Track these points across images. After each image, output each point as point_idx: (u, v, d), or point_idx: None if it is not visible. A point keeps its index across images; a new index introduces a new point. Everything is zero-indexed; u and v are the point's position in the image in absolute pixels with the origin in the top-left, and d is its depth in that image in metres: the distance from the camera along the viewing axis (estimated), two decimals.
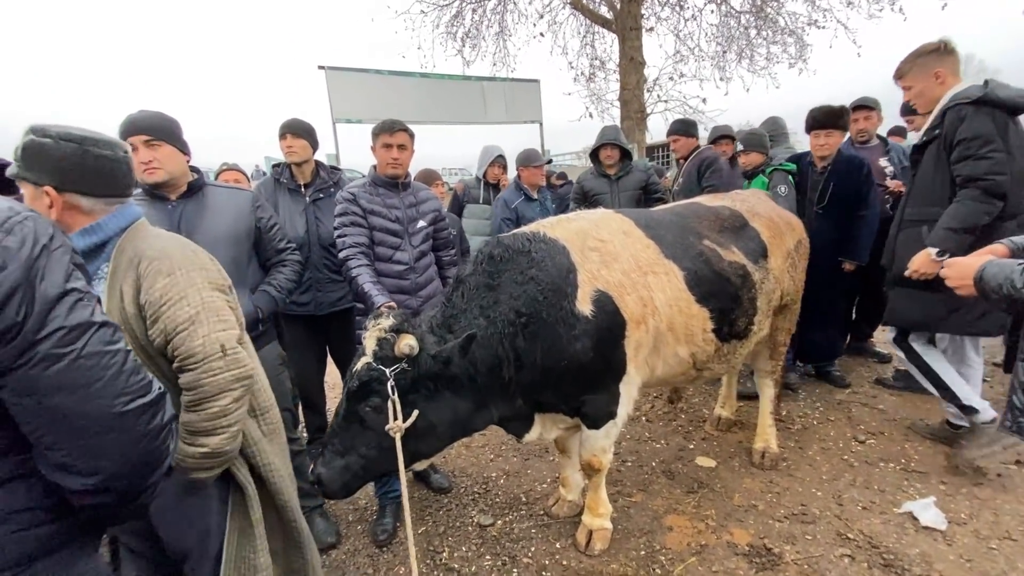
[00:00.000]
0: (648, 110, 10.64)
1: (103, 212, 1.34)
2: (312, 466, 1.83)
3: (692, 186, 3.93)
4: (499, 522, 2.61)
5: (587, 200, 4.06)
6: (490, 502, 2.80)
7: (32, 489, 0.80)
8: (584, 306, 2.00)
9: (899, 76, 2.69)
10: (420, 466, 2.14)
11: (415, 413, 1.75)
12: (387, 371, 1.72)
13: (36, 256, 0.74)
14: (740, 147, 4.04)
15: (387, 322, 1.81)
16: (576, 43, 11.76)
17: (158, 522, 1.42)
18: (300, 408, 3.09)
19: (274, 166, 3.10)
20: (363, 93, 7.72)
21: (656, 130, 12.04)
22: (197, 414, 1.31)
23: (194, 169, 2.22)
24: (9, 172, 1.25)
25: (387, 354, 1.76)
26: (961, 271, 1.48)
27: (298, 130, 2.90)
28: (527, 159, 4.21)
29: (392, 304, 2.22)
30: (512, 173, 4.60)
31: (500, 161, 4.37)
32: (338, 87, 7.46)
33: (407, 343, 1.74)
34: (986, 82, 2.43)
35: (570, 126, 11.56)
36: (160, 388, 0.89)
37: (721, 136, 4.58)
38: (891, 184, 3.80)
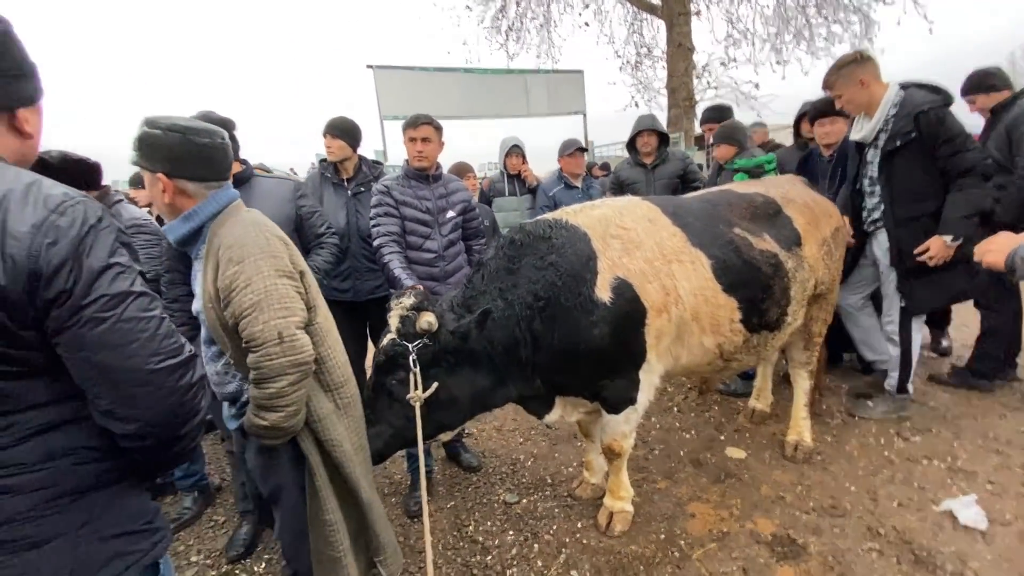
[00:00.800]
0: (697, 97, 10.33)
1: (202, 196, 1.52)
2: None
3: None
4: (524, 501, 2.71)
5: (622, 190, 4.05)
6: (517, 482, 2.90)
7: (85, 431, 0.94)
8: (603, 293, 2.03)
9: (827, 87, 2.93)
10: (444, 437, 2.25)
11: (435, 385, 1.87)
12: (409, 346, 1.85)
13: (84, 235, 0.87)
14: (712, 140, 3.98)
15: (409, 300, 1.94)
16: (622, 31, 11.50)
17: (251, 470, 1.76)
18: None
19: (320, 161, 3.32)
20: (409, 90, 7.95)
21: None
22: (259, 391, 1.45)
23: (242, 161, 2.44)
24: (130, 161, 1.49)
25: (409, 330, 1.89)
26: (1002, 246, 1.57)
27: (336, 131, 3.05)
28: (564, 147, 4.25)
29: (419, 287, 2.36)
30: (542, 164, 4.64)
31: (516, 151, 4.36)
32: (385, 85, 7.73)
33: (426, 319, 1.87)
34: (922, 85, 2.80)
35: (615, 116, 11.38)
36: (190, 351, 1.01)
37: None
38: None
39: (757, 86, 10.42)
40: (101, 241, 0.90)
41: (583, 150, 4.32)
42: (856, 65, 2.80)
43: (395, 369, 1.91)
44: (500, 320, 1.98)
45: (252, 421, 1.49)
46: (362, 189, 3.18)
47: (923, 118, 2.67)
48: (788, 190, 2.76)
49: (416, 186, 2.73)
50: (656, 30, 11.04)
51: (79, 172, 2.40)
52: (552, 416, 2.30)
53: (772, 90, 10.68)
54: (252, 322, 1.43)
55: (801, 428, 2.89)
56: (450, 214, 2.79)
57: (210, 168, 1.51)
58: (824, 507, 2.45)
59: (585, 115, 9.49)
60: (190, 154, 1.46)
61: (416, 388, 1.80)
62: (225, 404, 1.77)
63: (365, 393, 1.98)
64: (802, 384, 2.93)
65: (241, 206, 1.63)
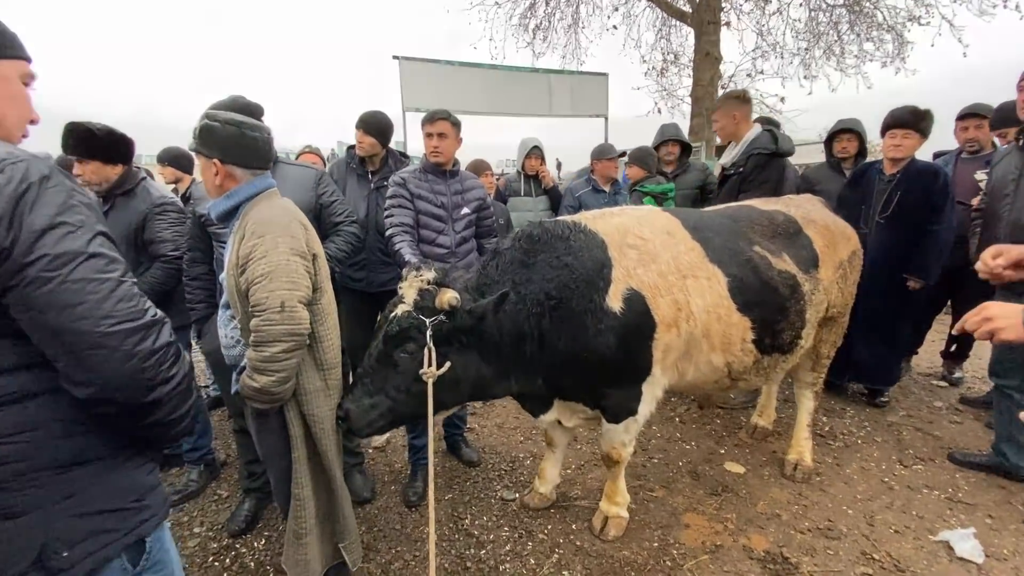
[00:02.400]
0: None
1: (246, 180, 1.72)
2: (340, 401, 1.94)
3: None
4: (520, 498, 2.74)
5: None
6: (515, 479, 2.94)
7: (65, 403, 0.92)
8: (615, 303, 2.02)
9: (714, 111, 3.40)
10: (438, 417, 2.24)
11: (447, 364, 1.84)
12: (427, 321, 1.83)
13: (23, 192, 0.85)
14: (626, 159, 4.09)
15: (429, 274, 1.91)
16: (650, 36, 11.43)
17: (250, 428, 1.89)
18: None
19: (349, 148, 3.34)
20: (433, 83, 7.99)
21: None
22: (255, 353, 1.60)
23: None
24: (189, 147, 1.75)
25: (428, 304, 1.86)
26: (1008, 316, 1.33)
27: (370, 128, 3.06)
28: (601, 152, 4.21)
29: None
30: (568, 165, 4.65)
31: (536, 152, 4.34)
32: (410, 76, 7.76)
33: (451, 297, 1.83)
34: (774, 135, 3.17)
35: (635, 122, 11.33)
36: (154, 316, 0.96)
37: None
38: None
39: (783, 100, 10.30)
40: (45, 199, 0.87)
41: (622, 154, 4.31)
42: (736, 102, 3.30)
43: (406, 341, 1.86)
44: (511, 312, 1.98)
45: (245, 382, 1.64)
46: (385, 183, 3.20)
47: (752, 159, 3.17)
48: (809, 210, 2.74)
49: (432, 180, 2.76)
50: (684, 37, 10.96)
51: (118, 146, 2.61)
52: (548, 417, 2.31)
53: (797, 105, 10.53)
54: (260, 289, 1.58)
55: (802, 448, 2.89)
56: (465, 211, 2.81)
57: (257, 157, 1.73)
58: (820, 528, 2.45)
59: (607, 118, 9.47)
60: (242, 145, 1.69)
61: (431, 364, 1.78)
62: (234, 374, 1.86)
63: (367, 362, 1.93)
64: (806, 404, 2.93)
65: (276, 193, 1.78)
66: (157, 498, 1.08)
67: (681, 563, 2.26)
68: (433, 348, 1.80)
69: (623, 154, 5.17)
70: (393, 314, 1.90)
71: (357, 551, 1.97)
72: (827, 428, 3.37)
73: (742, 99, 3.30)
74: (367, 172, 3.20)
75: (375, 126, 3.08)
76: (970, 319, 1.35)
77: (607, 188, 4.15)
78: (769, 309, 2.31)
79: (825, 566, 2.22)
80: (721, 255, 2.27)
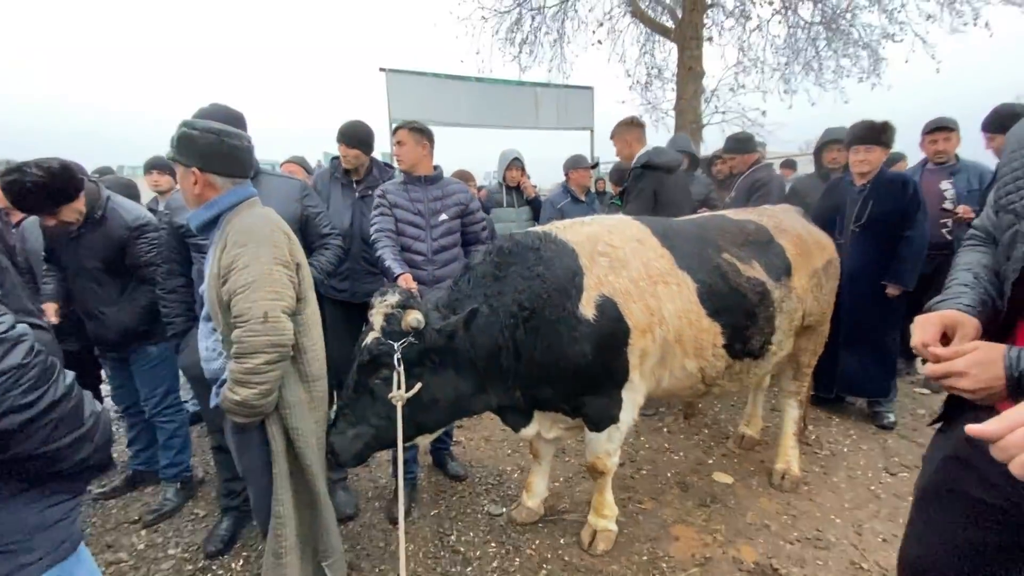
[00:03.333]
0: (704, 121, 10.41)
1: (226, 189, 1.68)
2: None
3: (741, 204, 3.87)
4: (507, 513, 2.69)
5: None
6: (502, 494, 2.89)
7: None
8: (587, 310, 2.03)
9: (611, 137, 3.62)
10: (423, 440, 2.22)
11: (418, 384, 1.84)
12: (395, 344, 1.83)
13: None
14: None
15: (393, 298, 1.91)
16: (634, 51, 11.64)
17: (229, 445, 1.82)
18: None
19: (333, 159, 3.32)
20: (420, 95, 8.01)
21: (712, 141, 11.75)
22: (237, 365, 1.55)
23: None
24: (166, 155, 1.70)
25: (395, 328, 1.87)
26: (979, 365, 0.96)
27: (351, 140, 3.03)
28: (575, 163, 4.31)
29: (408, 276, 2.39)
30: (543, 176, 4.69)
31: (517, 164, 4.39)
32: (397, 88, 7.78)
33: (414, 317, 1.84)
34: (659, 151, 3.44)
35: None
36: (17, 335, 0.87)
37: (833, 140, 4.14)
38: (959, 209, 3.53)
39: (764, 113, 10.50)
40: None
41: (594, 166, 4.40)
42: (628, 127, 3.54)
43: (378, 368, 1.88)
44: (484, 325, 1.98)
45: (226, 395, 1.59)
46: (369, 192, 3.18)
47: (631, 172, 3.46)
48: (782, 219, 2.76)
49: (411, 188, 2.77)
50: (668, 52, 11.14)
51: (66, 186, 2.36)
52: (529, 431, 2.29)
53: (778, 118, 10.74)
54: (243, 299, 1.54)
55: (789, 457, 2.89)
56: (443, 217, 2.80)
57: (237, 166, 1.70)
58: (808, 538, 2.44)
59: (593, 131, 9.57)
60: (221, 153, 1.65)
61: (399, 387, 1.78)
62: (214, 388, 1.80)
63: (346, 393, 1.96)
64: (791, 413, 2.93)
65: (257, 202, 1.75)
66: (47, 541, 0.95)
67: None
68: (402, 371, 1.80)
69: (595, 165, 5.37)
70: (364, 343, 1.91)
71: (341, 570, 1.91)
72: (813, 437, 3.38)
73: (633, 124, 3.55)
74: (352, 182, 3.18)
75: (356, 137, 3.06)
76: (946, 377, 1.00)
77: (584, 198, 4.19)
78: (738, 315, 2.33)
79: None
80: (690, 262, 2.29)
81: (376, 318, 1.91)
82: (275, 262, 1.61)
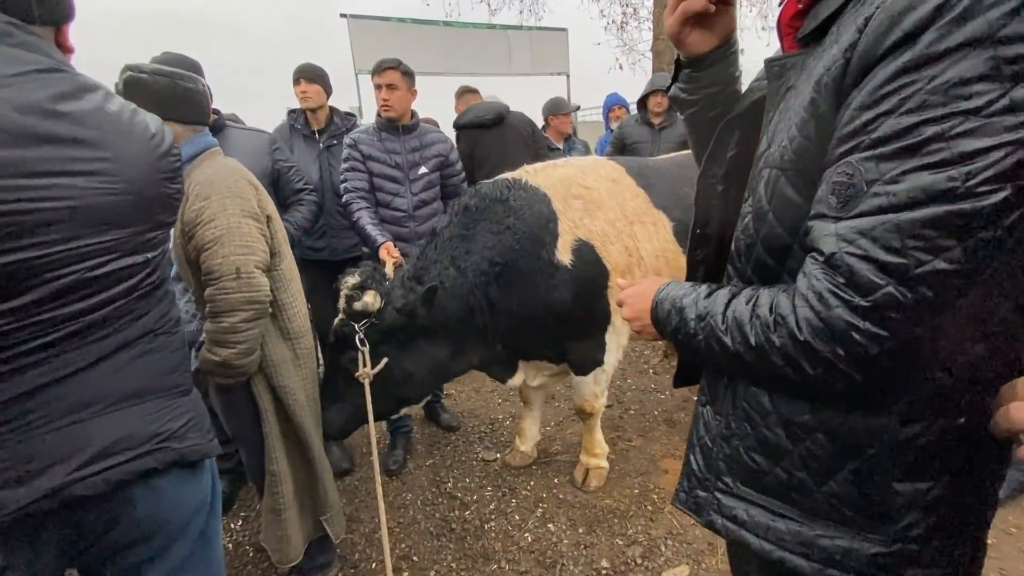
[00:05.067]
0: None
1: (185, 138, 1.54)
2: None
3: None
4: (502, 457, 2.75)
5: (625, 149, 3.99)
6: (495, 440, 2.94)
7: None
8: (564, 256, 2.00)
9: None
10: (410, 411, 2.26)
11: (384, 361, 1.86)
12: (356, 326, 1.82)
13: None
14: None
15: (353, 280, 1.90)
16: None
17: (213, 405, 1.73)
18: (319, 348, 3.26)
19: (289, 112, 3.15)
20: (385, 43, 7.55)
21: None
22: (213, 324, 1.49)
23: (214, 110, 2.30)
24: None
25: (354, 310, 1.86)
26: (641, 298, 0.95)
27: (311, 75, 2.88)
28: (556, 107, 4.14)
29: (390, 244, 2.30)
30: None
31: None
32: (360, 36, 7.35)
33: (364, 301, 1.84)
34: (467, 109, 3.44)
35: (597, 80, 11.15)
36: None
37: None
38: None
39: (742, 51, 10.24)
40: None
41: (578, 108, 4.29)
42: (461, 95, 3.81)
43: (346, 348, 1.89)
44: (452, 289, 1.94)
45: (205, 356, 1.54)
46: (334, 142, 3.03)
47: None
48: None
49: (386, 138, 2.61)
50: None
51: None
52: (515, 380, 2.29)
53: (756, 57, 10.53)
54: (212, 255, 1.46)
55: None
56: (422, 170, 2.68)
57: (194, 111, 1.56)
58: None
59: (569, 76, 9.26)
60: (177, 97, 1.50)
61: (364, 365, 1.79)
62: (192, 350, 1.75)
63: (325, 372, 2.01)
64: None
65: (218, 152, 1.63)
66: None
67: (662, 506, 2.32)
68: (366, 351, 1.80)
69: (576, 108, 5.16)
70: (332, 325, 1.95)
71: (340, 523, 1.93)
72: None
73: (464, 92, 3.90)
74: (313, 132, 3.02)
75: (316, 73, 2.90)
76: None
77: (560, 145, 4.08)
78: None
79: None
80: (666, 200, 2.25)
81: (341, 301, 1.92)
82: (243, 214, 1.52)
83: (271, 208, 1.67)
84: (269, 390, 1.67)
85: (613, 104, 4.81)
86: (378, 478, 1.63)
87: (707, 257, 1.05)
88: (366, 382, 1.77)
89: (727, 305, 0.75)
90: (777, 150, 0.73)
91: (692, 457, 0.93)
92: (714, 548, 2.08)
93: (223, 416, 1.75)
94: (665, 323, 0.87)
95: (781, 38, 0.79)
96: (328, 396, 1.93)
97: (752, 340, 0.70)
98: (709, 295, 0.80)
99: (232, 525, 2.40)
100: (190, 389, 1.10)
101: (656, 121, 3.97)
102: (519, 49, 8.78)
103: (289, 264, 1.73)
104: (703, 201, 1.03)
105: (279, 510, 1.73)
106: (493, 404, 3.37)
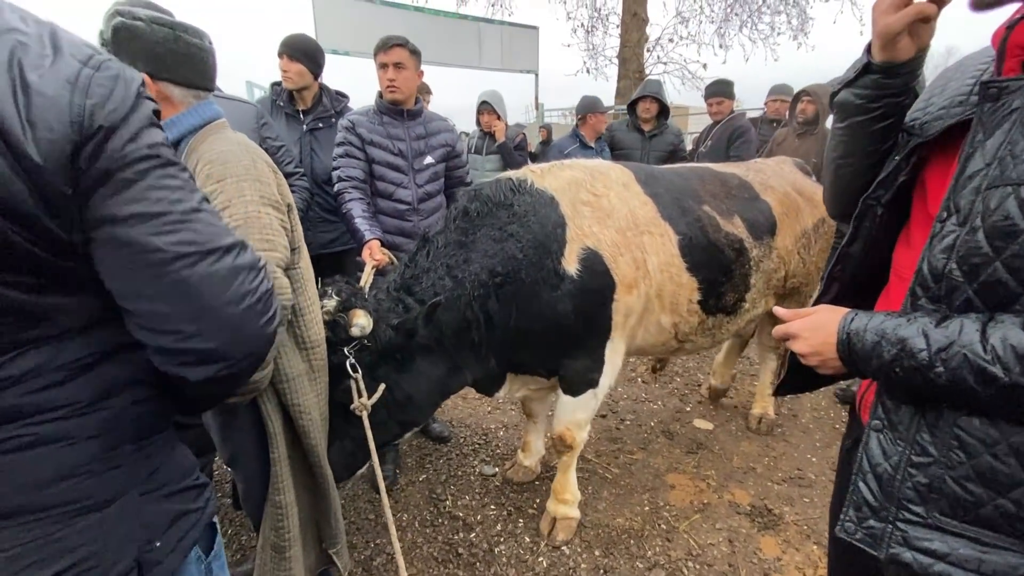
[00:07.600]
0: (647, 71, 10.35)
1: (186, 105, 1.30)
2: None
3: (720, 153, 3.80)
4: (502, 472, 2.58)
5: (613, 155, 3.89)
6: (491, 453, 2.76)
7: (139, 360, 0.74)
8: (571, 265, 1.84)
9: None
10: (412, 433, 2.03)
11: (381, 387, 1.63)
12: (346, 350, 1.57)
13: None
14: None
15: (331, 303, 1.61)
16: None
17: (209, 430, 1.50)
18: None
19: (273, 85, 2.82)
20: (352, 23, 7.17)
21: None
22: None
23: None
24: None
25: (341, 335, 1.59)
26: (817, 328, 0.93)
27: (295, 51, 2.58)
28: (592, 106, 3.90)
29: (375, 244, 2.08)
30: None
31: (486, 107, 3.98)
32: (326, 15, 6.92)
33: (358, 322, 1.57)
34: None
35: (562, 83, 11.18)
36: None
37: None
38: None
39: (705, 67, 10.63)
40: None
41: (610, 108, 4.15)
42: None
43: (340, 379, 1.59)
44: (448, 302, 1.74)
45: None
46: (320, 125, 2.75)
47: None
48: (769, 176, 2.63)
49: (389, 123, 2.37)
50: None
51: None
52: (502, 393, 2.12)
53: (714, 73, 10.96)
54: None
55: (767, 402, 3.00)
56: (428, 160, 2.45)
57: (199, 73, 1.29)
58: (792, 477, 2.56)
59: (537, 75, 9.18)
60: (179, 53, 1.23)
61: (360, 396, 1.54)
62: None
63: None
64: (770, 365, 3.00)
65: (226, 125, 1.36)
66: (204, 476, 0.89)
67: (676, 524, 2.24)
68: (360, 379, 1.55)
69: (611, 108, 4.99)
70: None
71: (346, 554, 1.69)
72: (775, 380, 3.55)
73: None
74: (297, 112, 2.72)
75: (301, 49, 2.60)
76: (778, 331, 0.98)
77: (593, 145, 3.92)
78: (715, 270, 2.21)
79: (805, 514, 2.31)
80: (672, 211, 2.14)
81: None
82: (263, 202, 1.26)
83: (290, 196, 1.41)
84: (280, 409, 1.41)
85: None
86: (388, 514, 1.43)
87: (843, 275, 1.06)
88: (364, 414, 1.52)
89: (982, 334, 0.71)
90: (1015, 170, 0.71)
91: (863, 485, 0.87)
92: (735, 569, 2.02)
93: (219, 438, 1.47)
94: (870, 356, 0.81)
95: (1002, 59, 0.78)
96: (330, 438, 1.64)
97: None
98: (940, 324, 0.75)
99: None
100: (105, 501, 0.70)
101: (646, 128, 3.93)
102: (490, 42, 8.59)
103: (307, 263, 1.47)
104: (858, 220, 1.00)
105: (283, 548, 1.47)
106: (483, 413, 3.18)
